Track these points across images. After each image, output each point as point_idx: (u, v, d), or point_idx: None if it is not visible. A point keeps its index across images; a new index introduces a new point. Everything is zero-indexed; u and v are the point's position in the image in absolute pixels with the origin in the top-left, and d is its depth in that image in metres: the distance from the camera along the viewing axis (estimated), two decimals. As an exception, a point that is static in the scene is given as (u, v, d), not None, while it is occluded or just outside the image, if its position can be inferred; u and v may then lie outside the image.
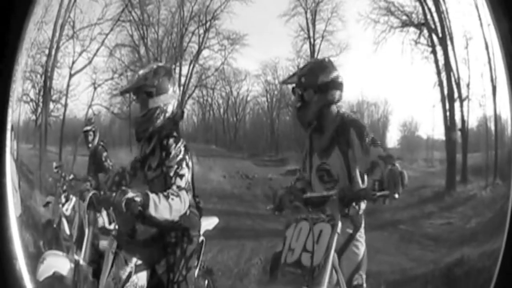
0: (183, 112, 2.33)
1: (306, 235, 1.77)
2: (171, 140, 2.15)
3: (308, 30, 6.75)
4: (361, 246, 2.14)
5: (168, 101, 2.23)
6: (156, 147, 2.20)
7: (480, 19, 5.50)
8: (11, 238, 1.43)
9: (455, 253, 4.66)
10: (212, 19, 6.69)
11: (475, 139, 6.60)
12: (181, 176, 2.09)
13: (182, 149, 2.15)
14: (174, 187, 2.04)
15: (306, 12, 6.73)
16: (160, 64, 2.37)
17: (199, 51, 6.77)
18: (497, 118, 5.74)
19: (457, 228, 5.50)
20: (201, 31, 6.73)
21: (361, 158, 2.05)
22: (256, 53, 6.73)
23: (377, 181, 1.78)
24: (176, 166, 2.10)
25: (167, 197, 1.97)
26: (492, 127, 5.91)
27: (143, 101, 2.20)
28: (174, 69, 6.73)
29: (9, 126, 1.42)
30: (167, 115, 2.22)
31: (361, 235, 2.15)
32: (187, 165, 2.13)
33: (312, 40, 6.75)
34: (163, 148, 2.16)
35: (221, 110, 7.14)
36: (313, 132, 2.21)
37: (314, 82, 2.13)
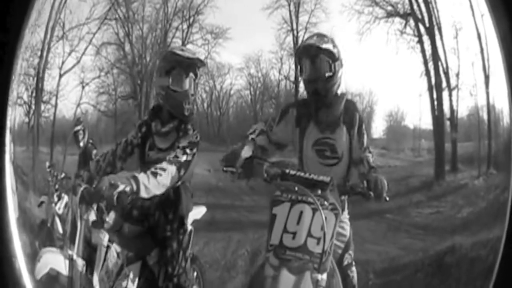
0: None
1: (310, 220, 1.73)
2: (190, 126, 2.22)
3: (291, 23, 6.76)
4: (346, 226, 2.17)
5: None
6: (172, 129, 2.23)
7: (472, 9, 5.52)
8: (10, 237, 1.42)
9: (446, 242, 4.65)
10: (196, 14, 6.71)
11: (465, 128, 6.60)
12: (185, 152, 2.11)
13: (198, 138, 2.21)
14: (168, 159, 2.06)
15: (289, 5, 6.74)
16: None
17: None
18: (490, 108, 5.75)
19: (447, 217, 5.49)
20: (185, 26, 6.75)
21: (356, 145, 2.09)
22: (239, 47, 6.77)
23: (365, 180, 1.84)
24: (187, 145, 2.14)
25: (155, 175, 1.97)
26: (485, 117, 5.92)
27: (192, 81, 2.22)
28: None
29: (8, 125, 1.43)
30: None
31: (345, 216, 2.16)
32: (196, 151, 2.16)
33: (295, 32, 6.76)
34: (180, 130, 2.21)
35: (205, 105, 7.17)
36: (317, 103, 2.11)
37: (340, 55, 2.09)
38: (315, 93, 2.08)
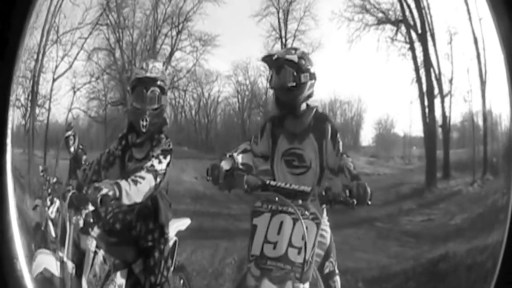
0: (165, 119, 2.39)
1: (291, 230, 1.76)
2: (163, 135, 2.27)
3: (280, 30, 6.79)
4: (326, 234, 2.17)
5: (167, 103, 2.35)
6: (146, 140, 2.29)
7: (469, 13, 5.51)
8: (12, 238, 1.43)
9: (438, 249, 4.65)
10: (185, 21, 6.73)
11: (459, 135, 6.58)
12: (160, 161, 2.16)
13: (171, 146, 2.25)
14: (146, 168, 2.11)
15: (278, 12, 6.77)
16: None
17: (171, 53, 6.82)
18: (486, 113, 5.73)
19: (439, 224, 5.49)
20: (174, 33, 6.78)
21: (331, 154, 2.11)
22: (228, 54, 6.78)
23: (347, 189, 1.83)
24: (160, 153, 2.19)
25: (135, 182, 2.03)
26: (480, 122, 5.90)
27: (155, 95, 2.26)
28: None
29: (9, 125, 1.43)
30: (164, 115, 2.33)
31: (325, 223, 2.17)
32: (170, 159, 2.20)
33: (284, 39, 6.81)
34: (154, 139, 2.27)
35: (193, 112, 7.20)
36: (286, 115, 2.17)
37: (310, 67, 2.12)
38: (278, 102, 2.15)
